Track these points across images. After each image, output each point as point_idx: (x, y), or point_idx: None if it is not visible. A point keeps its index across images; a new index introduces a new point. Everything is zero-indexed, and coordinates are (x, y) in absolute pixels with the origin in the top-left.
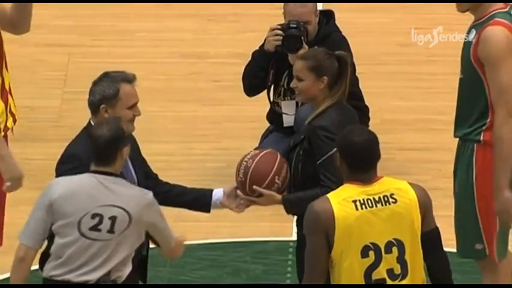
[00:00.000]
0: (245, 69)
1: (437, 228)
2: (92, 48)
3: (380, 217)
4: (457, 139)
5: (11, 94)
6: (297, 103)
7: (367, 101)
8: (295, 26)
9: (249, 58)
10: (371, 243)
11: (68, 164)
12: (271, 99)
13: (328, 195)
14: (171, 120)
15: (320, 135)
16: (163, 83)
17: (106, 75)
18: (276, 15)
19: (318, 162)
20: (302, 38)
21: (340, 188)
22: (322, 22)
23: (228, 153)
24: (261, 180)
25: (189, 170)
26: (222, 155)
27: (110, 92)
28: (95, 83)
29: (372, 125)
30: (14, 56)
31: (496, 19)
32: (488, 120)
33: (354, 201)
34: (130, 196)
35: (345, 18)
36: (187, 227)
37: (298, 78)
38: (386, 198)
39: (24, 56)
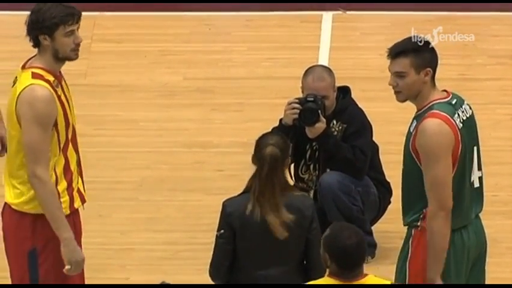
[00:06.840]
0: None
1: None
2: (96, 137)
3: None
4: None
5: (80, 175)
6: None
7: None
8: (312, 99)
9: (252, 147)
10: None
11: None
12: (294, 174)
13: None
14: (175, 209)
15: None
16: (167, 172)
17: None
18: (279, 104)
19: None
20: (319, 111)
21: (323, 279)
22: (339, 97)
23: None
24: None
25: (193, 260)
26: None
27: None
28: None
29: None
30: None
31: (435, 111)
32: (426, 207)
33: None
34: None
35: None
36: None
37: None
38: None
39: None
